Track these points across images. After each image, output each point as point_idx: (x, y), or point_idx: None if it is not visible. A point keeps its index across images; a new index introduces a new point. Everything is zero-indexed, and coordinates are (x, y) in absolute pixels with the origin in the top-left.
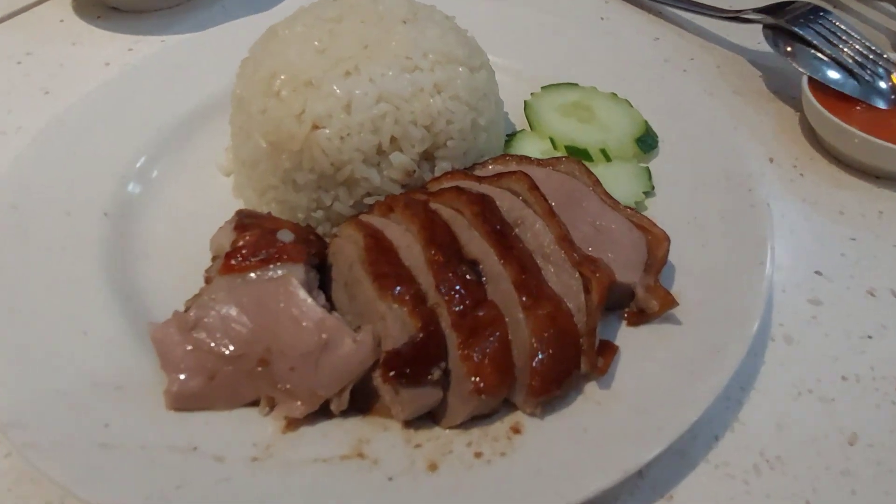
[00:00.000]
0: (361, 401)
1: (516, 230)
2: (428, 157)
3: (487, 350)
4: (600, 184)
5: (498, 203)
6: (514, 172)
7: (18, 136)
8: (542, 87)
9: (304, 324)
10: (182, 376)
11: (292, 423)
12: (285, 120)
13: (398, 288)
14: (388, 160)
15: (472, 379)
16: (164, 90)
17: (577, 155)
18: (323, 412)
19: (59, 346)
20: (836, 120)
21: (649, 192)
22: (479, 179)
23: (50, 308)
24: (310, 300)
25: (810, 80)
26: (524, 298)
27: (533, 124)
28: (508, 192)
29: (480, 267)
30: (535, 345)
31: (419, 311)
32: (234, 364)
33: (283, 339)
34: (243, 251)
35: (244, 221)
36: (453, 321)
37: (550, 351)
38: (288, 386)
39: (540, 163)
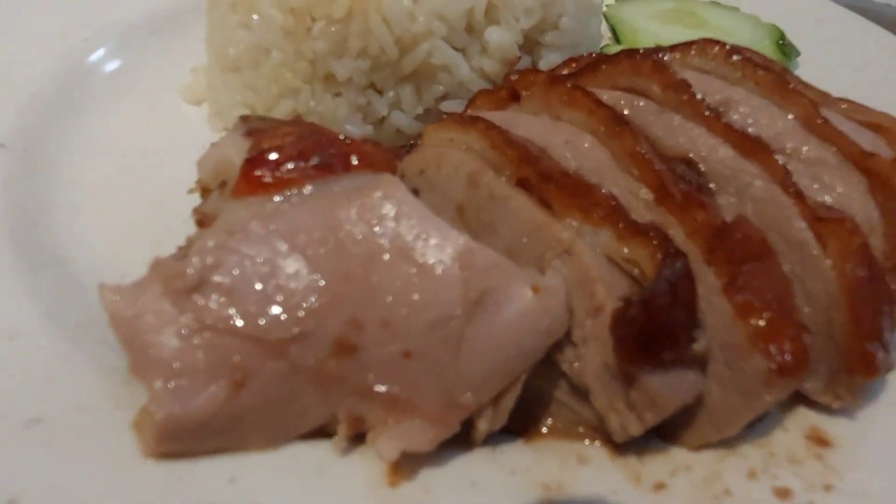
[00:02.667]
0: (517, 414)
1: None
2: (529, 44)
3: (770, 297)
4: (789, 71)
5: None
6: (690, 43)
7: None
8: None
9: (433, 266)
10: (179, 387)
11: (402, 466)
12: None
13: (591, 198)
14: (480, 41)
15: (768, 349)
16: None
17: None
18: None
19: None
20: None
21: None
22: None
23: None
24: (440, 222)
25: None
26: (808, 204)
27: (622, 36)
28: (692, 71)
29: (700, 166)
30: (851, 283)
31: (642, 232)
32: (286, 355)
33: (388, 300)
34: (283, 152)
35: (257, 126)
36: (708, 249)
37: (872, 293)
38: (397, 389)
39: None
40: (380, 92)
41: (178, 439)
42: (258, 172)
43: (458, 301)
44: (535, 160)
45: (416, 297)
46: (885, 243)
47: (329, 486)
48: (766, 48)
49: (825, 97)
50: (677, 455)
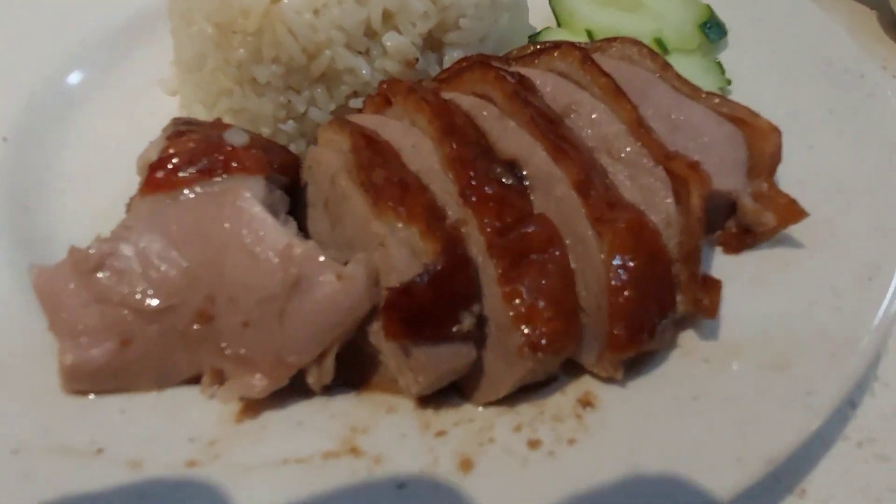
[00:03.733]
0: (352, 371)
1: (566, 121)
2: (434, 43)
3: (543, 284)
4: (670, 66)
5: (538, 88)
6: (556, 46)
7: None
8: None
9: (262, 255)
10: (81, 342)
11: (250, 408)
12: None
13: (404, 200)
14: (381, 44)
15: (522, 329)
16: None
17: None
18: (296, 389)
19: None
20: None
21: (724, 89)
22: (508, 62)
23: None
24: (270, 220)
25: None
26: (594, 205)
27: (562, 19)
28: (552, 74)
29: (522, 170)
30: (614, 274)
31: (436, 229)
32: (159, 321)
33: (233, 281)
34: (174, 160)
35: (181, 129)
36: (489, 242)
37: (637, 283)
38: (242, 351)
39: (584, 48)
40: (298, 91)
41: (82, 380)
42: (157, 175)
43: (279, 284)
44: (373, 165)
45: (250, 280)
46: (681, 235)
47: (190, 419)
48: (688, 31)
49: (696, 91)
50: (467, 410)
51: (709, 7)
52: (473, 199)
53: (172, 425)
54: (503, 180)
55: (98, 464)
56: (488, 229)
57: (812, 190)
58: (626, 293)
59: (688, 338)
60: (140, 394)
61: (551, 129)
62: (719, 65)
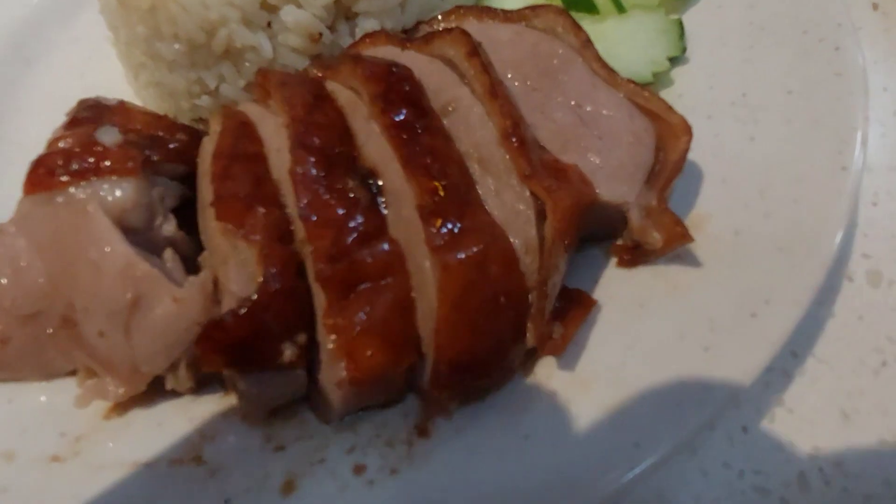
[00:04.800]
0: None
1: (445, 121)
2: (345, 12)
3: (372, 315)
4: (591, 44)
5: (423, 80)
6: (448, 31)
7: None
8: None
9: (105, 271)
10: None
11: (120, 405)
12: None
13: (244, 219)
14: (280, 18)
15: (341, 362)
16: None
17: (579, 8)
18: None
19: None
20: None
21: (678, 58)
22: (404, 43)
23: None
24: (115, 236)
25: None
26: (434, 231)
27: None
28: (440, 63)
29: (379, 182)
30: (444, 310)
31: (272, 255)
32: (30, 324)
33: (85, 292)
34: (52, 160)
35: (81, 115)
36: (318, 271)
37: (469, 321)
38: (101, 357)
39: (508, 17)
40: (207, 68)
41: None
42: (36, 174)
43: (121, 301)
44: (229, 170)
45: (99, 292)
46: (539, 261)
47: (67, 413)
48: None
49: (613, 78)
50: (312, 425)
51: None
52: (310, 218)
53: (50, 418)
54: (352, 195)
55: None
56: (321, 254)
57: (733, 193)
58: (454, 332)
59: (547, 365)
60: (31, 383)
61: (412, 137)
62: (680, 26)
